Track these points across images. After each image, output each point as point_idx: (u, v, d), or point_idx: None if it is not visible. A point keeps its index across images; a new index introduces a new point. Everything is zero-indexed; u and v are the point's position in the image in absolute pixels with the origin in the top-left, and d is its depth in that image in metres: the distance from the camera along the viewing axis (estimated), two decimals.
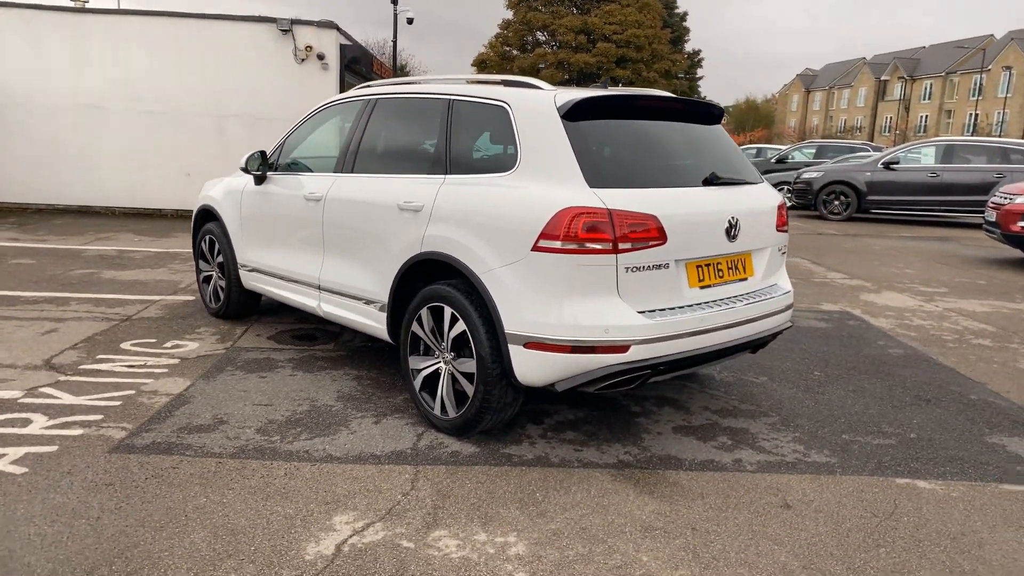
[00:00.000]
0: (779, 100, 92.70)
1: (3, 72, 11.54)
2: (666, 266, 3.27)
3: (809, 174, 16.45)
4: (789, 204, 17.65)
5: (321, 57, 11.46)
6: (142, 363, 4.63)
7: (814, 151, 21.09)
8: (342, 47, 11.77)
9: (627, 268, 3.15)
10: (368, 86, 4.66)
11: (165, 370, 4.51)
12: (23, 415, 3.74)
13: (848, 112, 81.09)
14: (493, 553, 2.66)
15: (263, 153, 5.00)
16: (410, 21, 18.32)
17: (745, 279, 3.69)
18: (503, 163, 3.50)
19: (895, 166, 15.18)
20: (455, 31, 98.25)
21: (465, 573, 2.54)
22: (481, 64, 58.07)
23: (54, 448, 3.38)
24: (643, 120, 3.67)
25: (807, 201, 16.27)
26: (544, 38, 57.96)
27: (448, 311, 3.53)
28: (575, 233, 3.08)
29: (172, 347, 4.99)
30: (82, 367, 4.50)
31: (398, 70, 45.40)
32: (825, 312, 6.68)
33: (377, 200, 4.01)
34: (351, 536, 2.75)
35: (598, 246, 3.09)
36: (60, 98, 11.63)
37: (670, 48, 56.66)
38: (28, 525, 2.73)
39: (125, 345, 4.98)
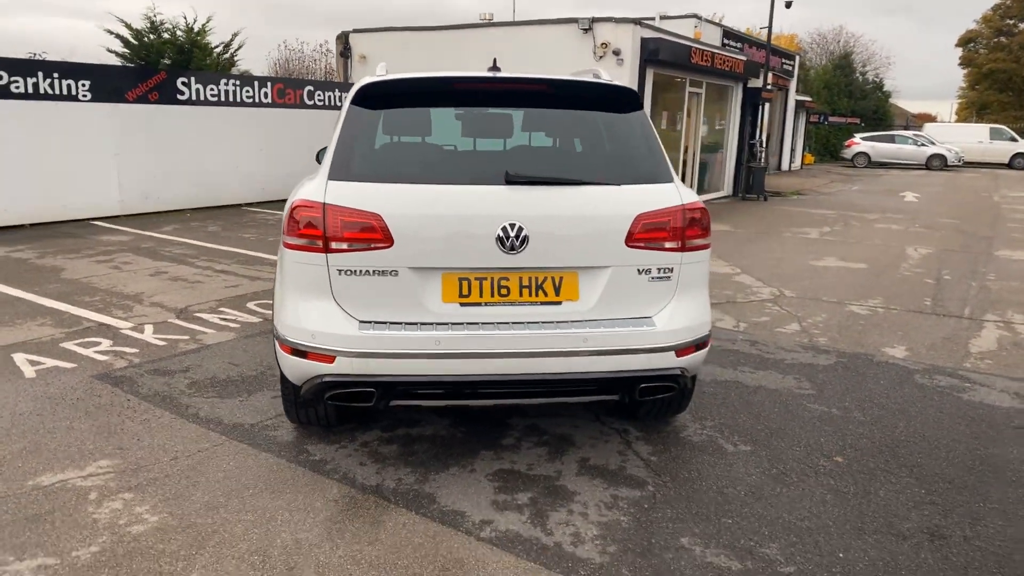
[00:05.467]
0: None
1: None
2: (394, 273, 2.82)
3: None
4: None
5: (616, 53, 11.50)
6: (233, 318, 5.65)
7: None
8: (643, 40, 11.60)
9: (340, 271, 2.83)
10: None
11: (237, 326, 5.44)
12: (104, 340, 5.01)
13: None
14: (123, 523, 2.79)
15: None
16: (788, 5, 16.76)
17: (558, 303, 2.89)
18: None
19: None
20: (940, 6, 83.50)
21: (84, 531, 2.74)
22: (967, 43, 49.20)
23: (73, 365, 4.51)
24: (473, 107, 3.14)
25: None
26: None
27: None
28: (296, 228, 2.91)
29: None
30: (195, 315, 5.71)
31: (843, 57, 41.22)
32: None
33: None
34: (79, 478, 3.15)
35: (314, 243, 2.86)
36: None
37: None
38: None
39: (250, 304, 6.10)
